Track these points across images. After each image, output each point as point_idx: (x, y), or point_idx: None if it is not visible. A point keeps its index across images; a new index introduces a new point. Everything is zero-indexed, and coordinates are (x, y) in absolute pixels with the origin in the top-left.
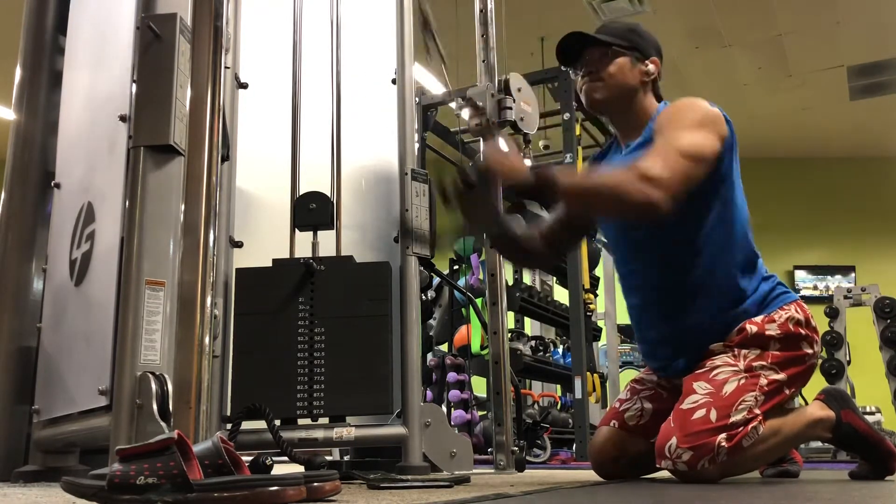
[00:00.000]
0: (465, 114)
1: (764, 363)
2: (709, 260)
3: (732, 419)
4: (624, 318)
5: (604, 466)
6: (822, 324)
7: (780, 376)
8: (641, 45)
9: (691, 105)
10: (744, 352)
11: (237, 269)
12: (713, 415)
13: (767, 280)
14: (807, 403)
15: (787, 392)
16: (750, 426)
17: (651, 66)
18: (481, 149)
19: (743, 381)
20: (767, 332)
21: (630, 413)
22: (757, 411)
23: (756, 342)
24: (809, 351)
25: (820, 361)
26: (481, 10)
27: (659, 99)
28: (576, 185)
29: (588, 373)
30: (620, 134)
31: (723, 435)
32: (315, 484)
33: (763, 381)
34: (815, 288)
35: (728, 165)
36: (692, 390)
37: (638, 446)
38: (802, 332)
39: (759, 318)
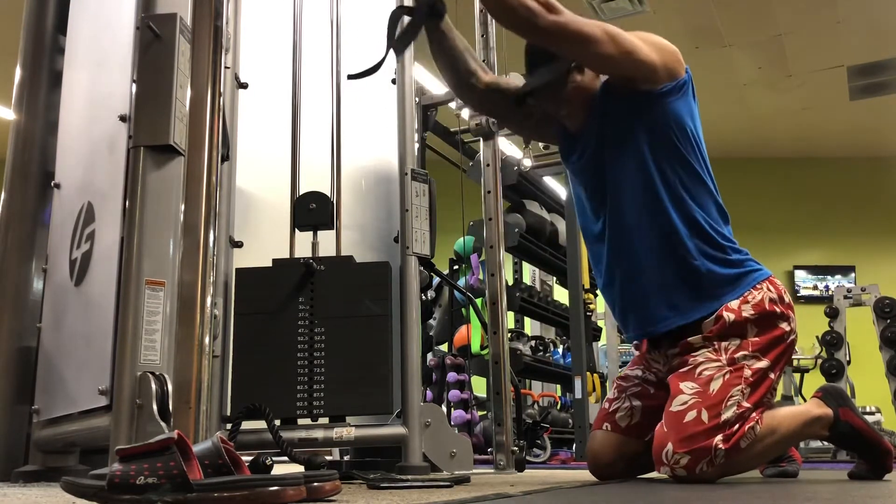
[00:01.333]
0: (465, 114)
1: (745, 352)
2: (662, 197)
3: (724, 417)
4: None
5: (601, 470)
6: (822, 324)
7: (763, 363)
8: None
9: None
10: (724, 344)
11: (237, 269)
12: (704, 415)
13: (738, 252)
14: (805, 402)
15: (771, 377)
16: (746, 426)
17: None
18: (481, 149)
19: (728, 376)
20: (744, 315)
21: (620, 413)
22: (746, 404)
23: (734, 331)
24: (787, 328)
25: (820, 361)
26: (481, 10)
27: None
28: None
29: (588, 373)
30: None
31: (719, 437)
32: (315, 484)
33: (747, 373)
34: (815, 288)
35: (678, 104)
36: (679, 390)
37: (633, 447)
38: (777, 309)
39: (734, 303)
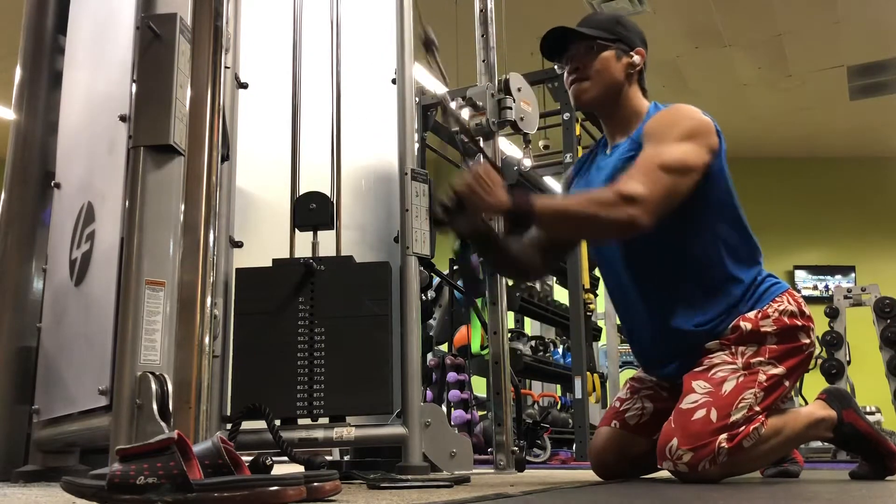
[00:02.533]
0: (465, 114)
1: (762, 358)
2: (699, 260)
3: (733, 418)
4: None
5: (604, 467)
6: (822, 324)
7: (779, 370)
8: (626, 36)
9: (683, 114)
10: (741, 349)
11: (237, 269)
12: (713, 415)
13: (756, 272)
14: (807, 403)
15: (786, 384)
16: (752, 427)
17: (637, 58)
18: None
19: (742, 379)
20: (762, 329)
21: (631, 413)
22: (757, 408)
23: (752, 339)
24: (806, 341)
25: (820, 361)
26: (481, 10)
27: (644, 92)
28: (554, 212)
29: (588, 373)
30: (608, 131)
31: (724, 435)
32: (315, 484)
33: (762, 378)
34: (815, 288)
35: (718, 171)
36: (691, 389)
37: (639, 446)
38: (798, 322)
39: (752, 314)
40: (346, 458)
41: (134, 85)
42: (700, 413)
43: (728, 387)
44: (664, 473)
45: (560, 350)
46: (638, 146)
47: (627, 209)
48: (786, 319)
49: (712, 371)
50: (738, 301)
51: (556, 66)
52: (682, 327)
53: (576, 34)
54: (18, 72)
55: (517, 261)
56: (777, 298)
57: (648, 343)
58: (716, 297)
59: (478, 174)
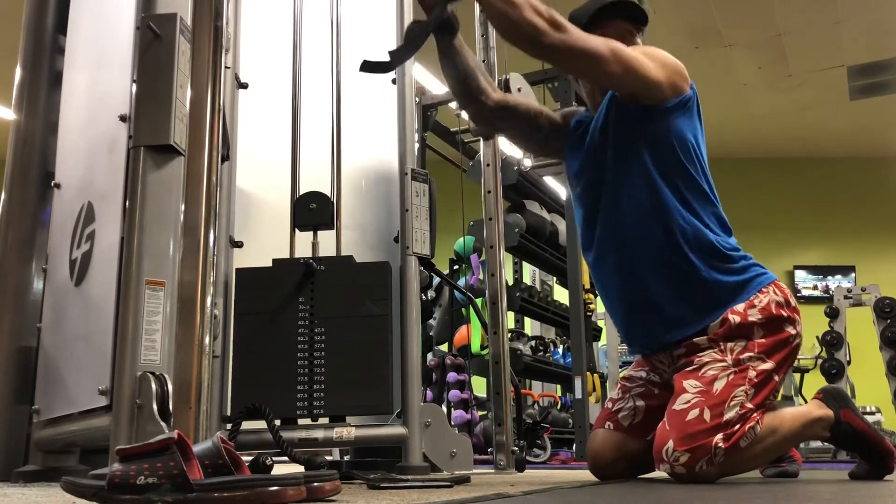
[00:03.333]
0: (465, 114)
1: (751, 354)
2: (663, 212)
3: (726, 417)
4: None
5: (602, 469)
6: (822, 324)
7: (768, 364)
8: (638, 12)
9: (658, 50)
10: (730, 345)
11: (237, 269)
12: (706, 414)
13: (744, 258)
14: (805, 402)
15: (776, 379)
16: (747, 426)
17: (639, 38)
18: (481, 149)
19: (732, 376)
20: (750, 319)
21: (623, 413)
22: (749, 405)
23: (740, 332)
24: (793, 332)
25: (820, 361)
26: (482, 11)
27: None
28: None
29: (588, 373)
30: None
31: (719, 435)
32: (315, 484)
33: (752, 374)
34: (815, 288)
35: (683, 120)
36: (683, 389)
37: (634, 446)
38: (784, 313)
39: (740, 307)
40: (346, 458)
41: (134, 85)
42: (693, 413)
43: (719, 385)
44: (663, 473)
45: (560, 350)
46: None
47: (539, 20)
48: (772, 309)
49: (703, 370)
50: (725, 286)
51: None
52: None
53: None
54: (18, 72)
55: (464, 69)
56: (764, 289)
57: (616, 301)
58: (694, 258)
59: None
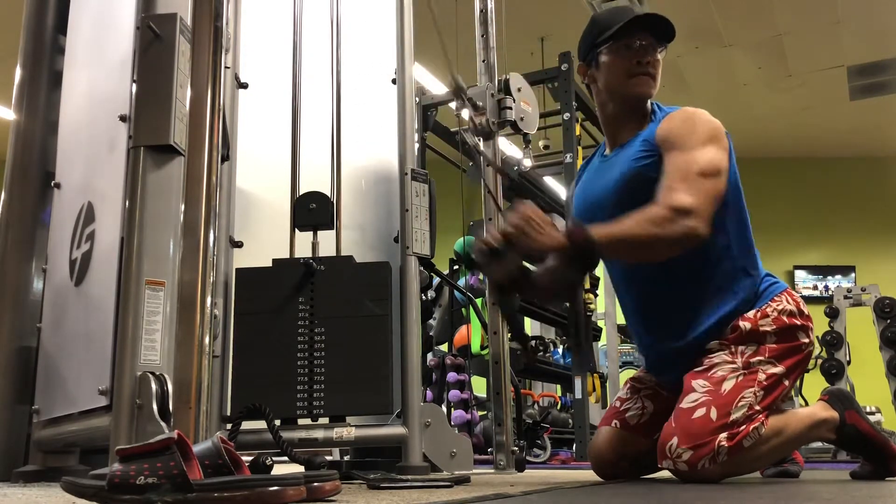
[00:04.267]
0: (465, 114)
1: (761, 357)
2: (713, 257)
3: (733, 417)
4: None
5: (604, 467)
6: (822, 324)
7: (779, 369)
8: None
9: (699, 118)
10: (741, 348)
11: (237, 269)
12: (713, 413)
13: (757, 273)
14: (808, 404)
15: (785, 384)
16: (751, 426)
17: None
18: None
19: (741, 378)
20: (762, 328)
21: (631, 412)
22: (757, 407)
23: (751, 338)
24: (805, 340)
25: (820, 361)
26: (481, 10)
27: None
28: (614, 239)
29: (588, 373)
30: (613, 131)
31: (723, 434)
32: (315, 484)
33: (762, 377)
34: (815, 288)
35: (733, 174)
36: (691, 388)
37: (639, 446)
38: (797, 322)
39: (751, 314)
40: (346, 458)
41: (134, 85)
42: (700, 412)
43: (728, 385)
44: (664, 473)
45: (560, 350)
46: (650, 147)
47: (684, 221)
48: (785, 319)
49: (712, 370)
50: (740, 301)
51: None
52: (689, 336)
53: (669, 29)
54: (18, 72)
55: (544, 290)
56: (776, 298)
57: (654, 350)
58: (727, 292)
59: (526, 215)
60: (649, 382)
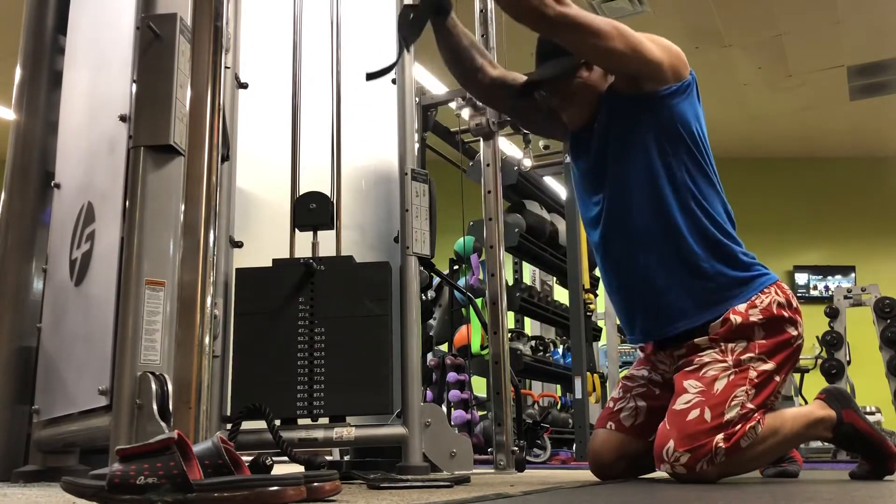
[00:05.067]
0: (465, 114)
1: (752, 354)
2: (669, 199)
3: (727, 416)
4: None
5: (603, 469)
6: (822, 324)
7: (769, 365)
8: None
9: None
10: (730, 346)
11: (237, 269)
12: (707, 414)
13: (747, 255)
14: (807, 403)
15: (777, 379)
16: (748, 426)
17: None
18: (481, 149)
19: (733, 377)
20: (751, 319)
21: (625, 413)
22: (750, 405)
23: (741, 333)
24: (794, 333)
25: (820, 361)
26: (481, 10)
27: None
28: None
29: (588, 373)
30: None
31: (720, 435)
32: (315, 484)
33: (752, 374)
34: (815, 288)
35: (684, 105)
36: (684, 389)
37: (636, 446)
38: (785, 314)
39: (741, 307)
40: (346, 458)
41: (134, 85)
42: (694, 413)
43: (719, 385)
44: (663, 473)
45: (560, 350)
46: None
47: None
48: (774, 310)
49: (703, 370)
50: (728, 280)
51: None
52: (645, 269)
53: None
54: (18, 72)
55: (458, 48)
56: (766, 290)
57: (617, 288)
58: (701, 249)
59: None
60: (640, 380)
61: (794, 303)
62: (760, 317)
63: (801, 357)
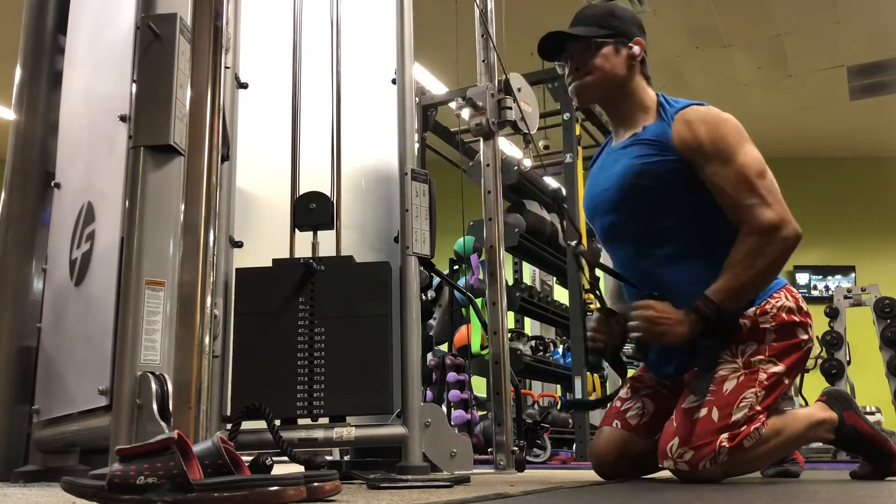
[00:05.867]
0: (465, 114)
1: (762, 357)
2: (705, 230)
3: (734, 417)
4: None
5: (606, 467)
6: (822, 324)
7: (779, 368)
8: (622, 28)
9: (718, 122)
10: (741, 347)
11: (237, 269)
12: (715, 414)
13: None
14: (808, 404)
15: (786, 382)
16: (753, 426)
17: (636, 48)
18: (481, 149)
19: (742, 378)
20: (762, 326)
21: (632, 412)
22: (758, 407)
23: (751, 336)
24: (805, 336)
25: (820, 361)
26: (481, 10)
27: (648, 80)
28: (735, 293)
29: (588, 373)
30: (614, 126)
31: (724, 435)
32: (315, 484)
33: (762, 376)
34: (815, 288)
35: None
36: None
37: (640, 446)
38: (796, 318)
39: (750, 311)
40: (346, 458)
41: (134, 85)
42: (702, 412)
43: (729, 386)
44: (665, 473)
45: (560, 350)
46: (660, 146)
47: (779, 234)
48: (784, 315)
49: (714, 370)
50: None
51: (556, 66)
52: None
53: (571, 36)
54: (18, 72)
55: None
56: (775, 294)
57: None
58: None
59: (647, 315)
60: (649, 382)
61: (804, 306)
62: (773, 323)
63: None
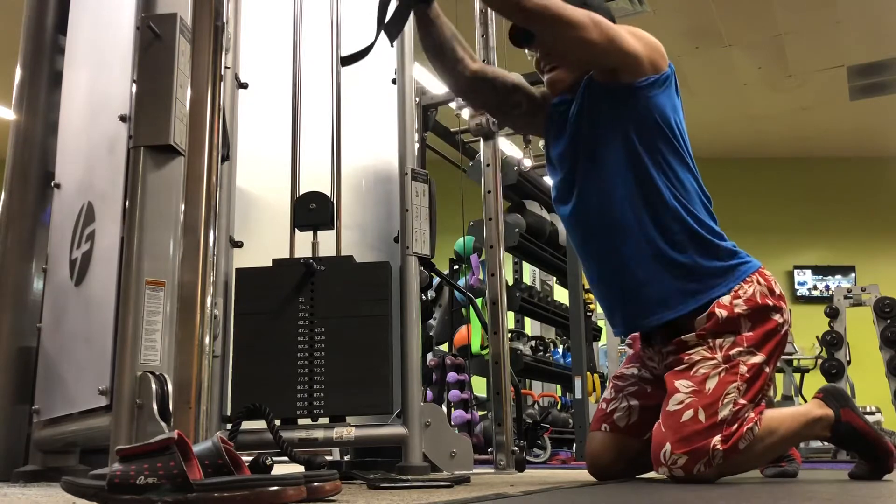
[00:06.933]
0: (465, 114)
1: (740, 348)
2: (643, 190)
3: (721, 415)
4: None
5: (601, 471)
6: (822, 324)
7: (759, 357)
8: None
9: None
10: (718, 341)
11: (237, 269)
12: (701, 414)
13: (724, 242)
14: (806, 402)
15: (767, 370)
16: (745, 427)
17: None
18: (481, 149)
19: (723, 374)
20: (736, 311)
21: (618, 414)
22: (742, 401)
23: (727, 327)
24: (780, 320)
25: (820, 361)
26: (481, 11)
27: None
28: None
29: (588, 373)
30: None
31: (717, 437)
32: (315, 484)
33: (743, 369)
34: (815, 288)
35: (662, 97)
36: (675, 389)
37: (632, 446)
38: (770, 302)
39: (725, 299)
40: (346, 458)
41: (134, 85)
42: (688, 414)
43: (711, 384)
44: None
45: (560, 350)
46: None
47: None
48: (758, 299)
49: (694, 369)
50: (706, 269)
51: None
52: (625, 259)
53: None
54: (18, 72)
55: (440, 39)
56: (748, 278)
57: (597, 281)
58: (673, 237)
59: None
60: (631, 378)
61: (777, 289)
62: (745, 307)
63: (801, 357)
